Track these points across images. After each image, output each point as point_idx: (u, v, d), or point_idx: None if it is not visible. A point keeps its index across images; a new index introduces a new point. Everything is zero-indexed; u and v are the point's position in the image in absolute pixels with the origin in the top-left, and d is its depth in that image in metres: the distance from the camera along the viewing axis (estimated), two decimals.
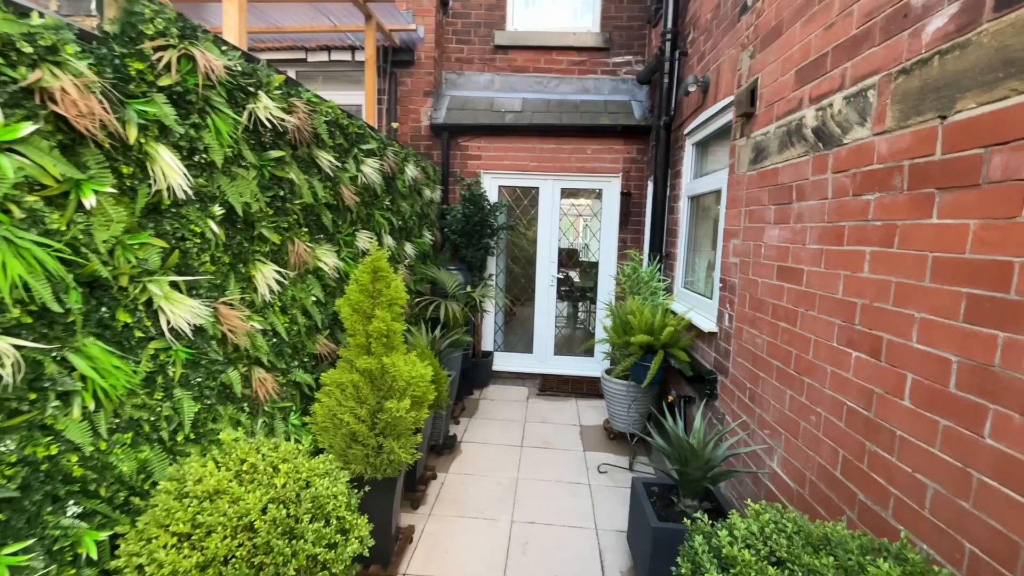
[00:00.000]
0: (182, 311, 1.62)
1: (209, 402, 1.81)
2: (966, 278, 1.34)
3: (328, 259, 2.68)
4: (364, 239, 3.18)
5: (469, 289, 4.91)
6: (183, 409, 1.68)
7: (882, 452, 1.62)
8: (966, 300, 1.34)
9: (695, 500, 2.45)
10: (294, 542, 1.38)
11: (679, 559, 1.41)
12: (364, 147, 3.14)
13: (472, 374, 5.32)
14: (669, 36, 4.13)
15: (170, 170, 1.57)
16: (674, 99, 4.21)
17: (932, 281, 1.46)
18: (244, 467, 1.51)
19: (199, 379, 1.76)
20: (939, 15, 1.45)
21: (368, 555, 1.83)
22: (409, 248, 4.30)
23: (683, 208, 4.16)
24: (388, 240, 3.71)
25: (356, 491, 1.74)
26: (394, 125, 5.22)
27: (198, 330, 1.73)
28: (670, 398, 3.72)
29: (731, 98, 3.02)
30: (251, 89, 1.96)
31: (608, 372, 4.17)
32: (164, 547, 1.27)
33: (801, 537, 1.24)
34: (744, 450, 2.48)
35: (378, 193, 3.44)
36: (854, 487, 1.75)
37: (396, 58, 5.33)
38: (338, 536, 1.50)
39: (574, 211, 6.75)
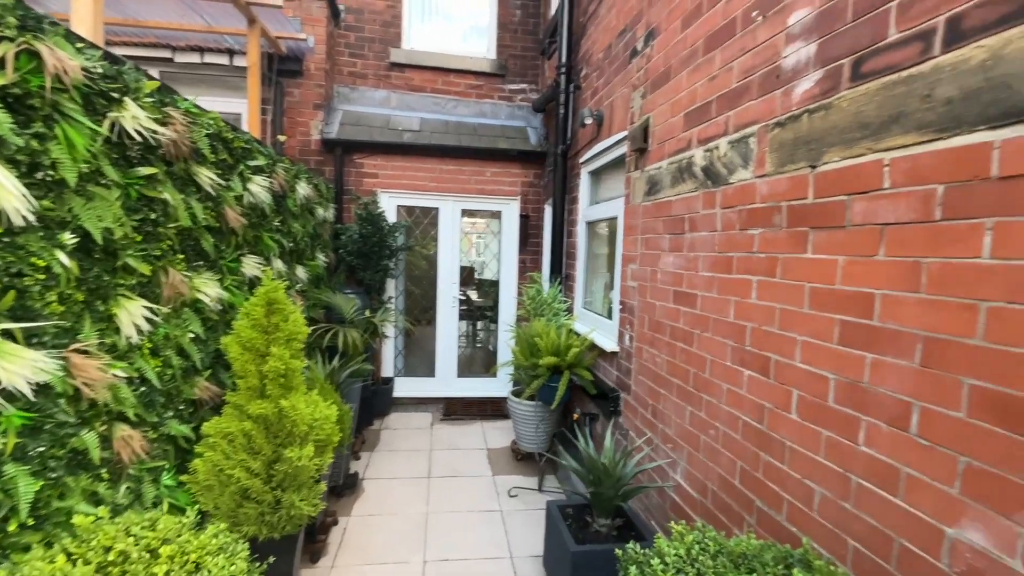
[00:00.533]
0: (17, 367, 1.29)
1: (55, 475, 1.46)
2: (838, 306, 1.55)
3: (209, 289, 2.35)
4: (251, 264, 2.86)
5: (368, 313, 4.65)
6: (17, 489, 1.33)
7: (775, 461, 1.81)
8: (839, 325, 1.55)
9: (608, 519, 2.52)
10: None
11: None
12: (251, 163, 2.84)
13: (372, 403, 5.02)
14: (563, 70, 4.36)
15: (1, 190, 1.25)
16: (569, 129, 4.44)
17: (810, 308, 1.67)
18: (111, 557, 1.23)
19: (41, 448, 1.41)
20: (806, 79, 1.69)
21: None
22: (301, 272, 3.96)
23: (581, 232, 4.37)
24: (278, 264, 3.38)
25: (257, 563, 1.51)
26: (280, 138, 4.82)
27: (41, 388, 1.39)
28: (575, 416, 3.83)
29: (625, 133, 3.25)
30: (115, 95, 1.66)
31: (515, 394, 4.19)
32: None
33: (724, 556, 1.31)
34: (651, 465, 2.62)
35: (267, 213, 3.13)
36: (752, 495, 1.93)
37: (283, 67, 4.95)
38: None
39: (473, 230, 6.78)
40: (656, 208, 2.80)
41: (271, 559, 1.80)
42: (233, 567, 1.33)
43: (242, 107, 5.16)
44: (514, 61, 5.95)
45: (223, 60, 4.93)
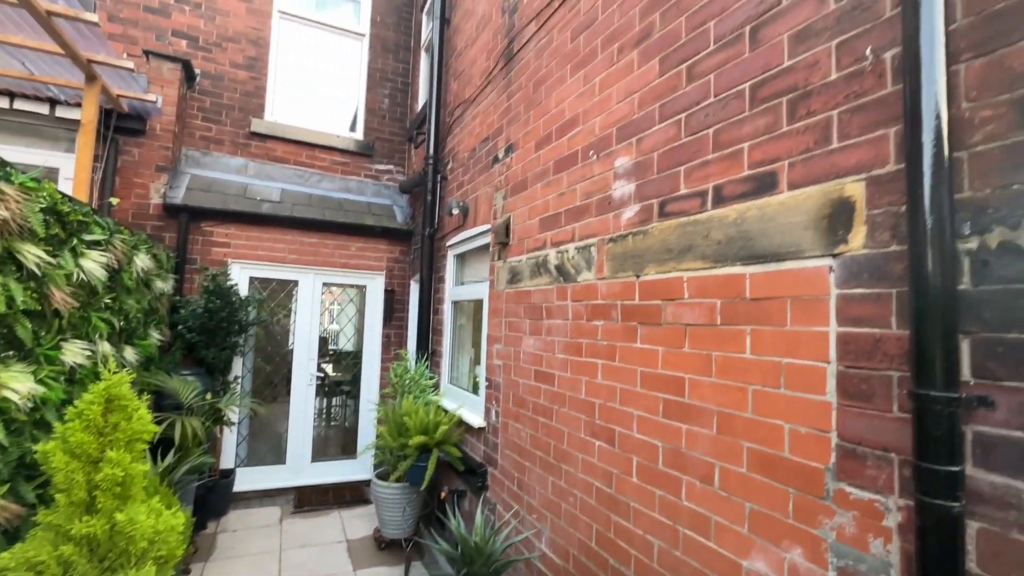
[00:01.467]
0: None
1: None
2: (661, 386, 1.97)
3: (19, 384, 2.00)
4: (74, 351, 2.48)
5: (210, 397, 4.16)
6: None
7: (623, 521, 2.11)
8: (662, 402, 1.96)
9: None
10: None
11: None
12: (87, 238, 2.54)
13: (207, 501, 4.36)
14: (431, 162, 4.73)
15: None
16: (437, 215, 4.76)
17: (642, 388, 2.07)
18: None
19: None
20: (629, 209, 2.20)
21: None
22: (130, 353, 3.46)
23: (447, 310, 4.59)
24: (104, 347, 2.94)
25: None
26: (112, 201, 4.30)
27: None
28: (443, 495, 3.84)
29: (489, 226, 3.65)
30: None
31: (380, 476, 4.05)
32: None
33: None
34: (519, 538, 2.77)
35: (98, 291, 2.77)
36: (606, 554, 2.19)
37: (122, 124, 4.52)
38: None
39: (328, 297, 6.58)
40: (518, 295, 3.16)
41: None
42: None
43: (61, 162, 4.53)
44: (381, 144, 6.23)
45: (41, 109, 4.33)
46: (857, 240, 1.33)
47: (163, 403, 3.91)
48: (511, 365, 3.19)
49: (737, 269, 1.67)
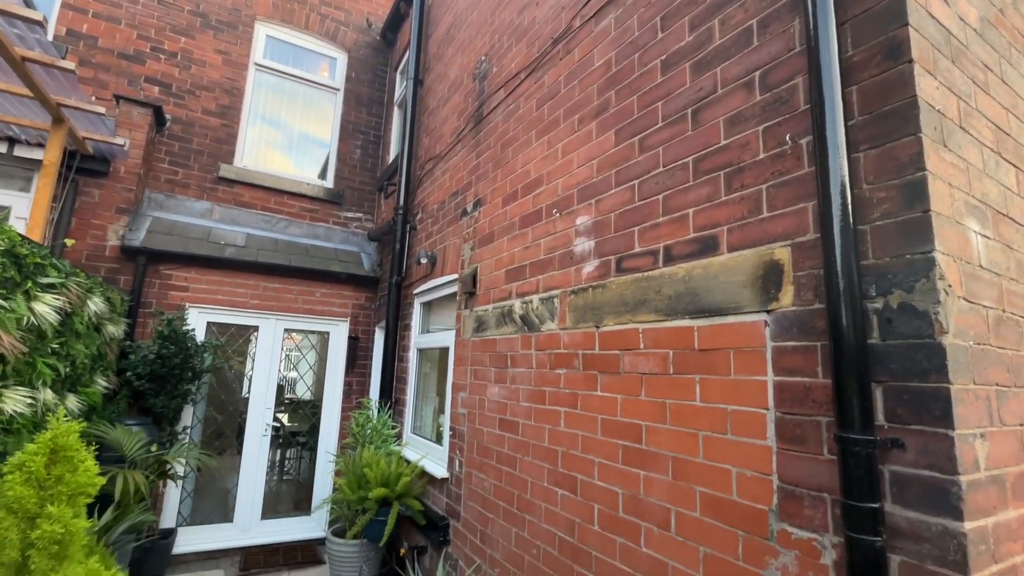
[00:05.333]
0: None
1: None
2: (620, 433, 2.06)
3: None
4: (15, 399, 2.36)
5: (155, 449, 3.94)
6: None
7: (585, 572, 2.12)
8: (622, 449, 2.03)
9: None
10: None
11: None
12: (43, 280, 2.48)
13: (142, 565, 4.02)
14: (401, 212, 4.86)
15: None
16: (405, 263, 4.84)
17: (602, 435, 2.15)
18: None
19: None
20: (589, 264, 2.35)
21: None
22: (73, 401, 3.28)
23: (412, 357, 4.59)
24: (46, 395, 2.80)
25: None
26: (67, 242, 4.18)
27: None
28: (403, 551, 3.70)
29: (456, 275, 3.75)
30: None
31: (336, 533, 3.88)
32: None
33: None
34: None
35: (47, 335, 2.67)
36: None
37: (85, 166, 4.47)
38: None
39: (293, 346, 6.43)
40: (483, 344, 3.23)
41: None
42: None
43: (13, 200, 4.41)
44: (351, 192, 6.34)
45: None
46: (787, 298, 1.50)
47: (104, 455, 3.66)
48: (476, 414, 3.21)
49: (686, 322, 1.82)
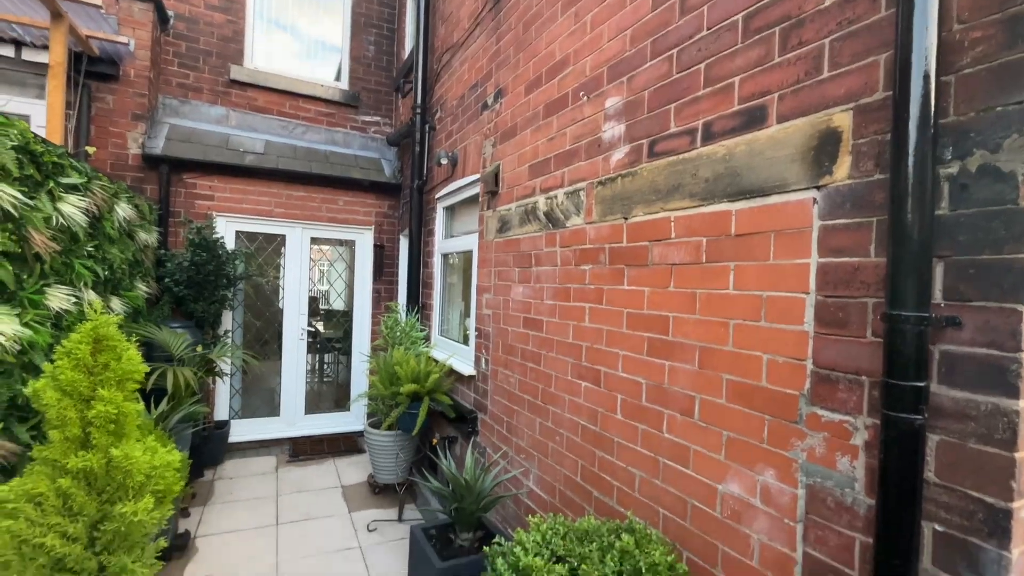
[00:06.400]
0: None
1: None
2: (646, 326, 2.01)
3: (4, 326, 1.99)
4: (59, 296, 2.46)
5: (201, 349, 4.18)
6: None
7: (607, 456, 2.20)
8: (647, 341, 2.00)
9: (470, 532, 2.69)
10: None
11: None
12: (64, 181, 2.48)
13: (202, 451, 4.45)
14: (419, 111, 4.61)
15: None
16: (425, 166, 4.68)
17: (627, 328, 2.11)
18: None
19: None
20: (619, 151, 2.18)
21: None
22: (117, 304, 3.44)
23: (437, 263, 4.58)
24: (90, 295, 2.92)
25: None
26: (89, 150, 4.16)
27: None
28: (434, 441, 3.95)
29: (478, 175, 3.60)
30: None
31: (373, 425, 4.15)
32: None
33: (571, 534, 1.60)
34: (507, 476, 2.88)
35: (80, 237, 2.72)
36: (590, 487, 2.29)
37: (93, 69, 4.32)
38: None
39: (320, 257, 6.55)
40: (507, 244, 3.15)
41: None
42: None
43: (31, 109, 4.34)
44: (368, 94, 6.03)
45: (6, 51, 4.12)
46: (842, 170, 1.34)
47: (153, 355, 3.92)
48: (500, 314, 3.23)
49: (724, 206, 1.68)
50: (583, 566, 1.41)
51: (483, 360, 3.46)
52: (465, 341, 4.04)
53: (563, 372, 2.54)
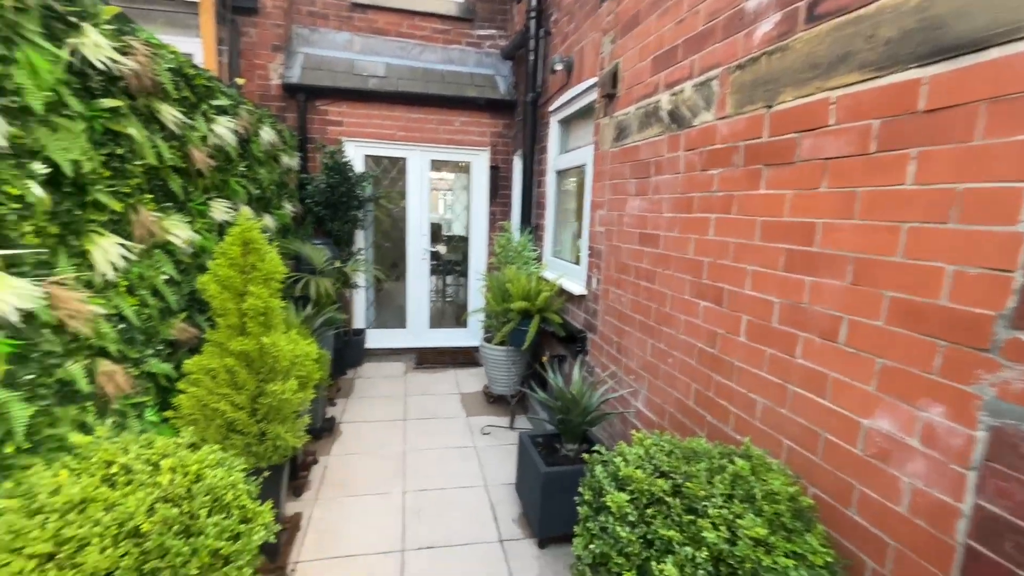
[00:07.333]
0: (3, 292, 1.30)
1: (45, 403, 1.50)
2: (784, 236, 1.71)
3: (180, 231, 2.33)
4: (220, 209, 2.82)
5: (339, 264, 4.64)
6: (12, 414, 1.37)
7: (725, 380, 2.01)
8: (784, 254, 1.71)
9: (575, 444, 2.74)
10: (192, 539, 1.25)
11: (580, 488, 1.60)
12: (215, 103, 2.75)
13: (344, 353, 5.08)
14: (534, 14, 4.28)
15: None
16: (539, 76, 4.41)
17: (761, 240, 1.82)
18: (114, 470, 1.30)
19: (30, 376, 1.45)
20: (767, 21, 1.77)
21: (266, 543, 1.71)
22: (269, 220, 3.90)
23: (550, 182, 4.43)
24: (246, 211, 3.31)
25: (253, 478, 1.61)
26: (239, 81, 4.59)
27: (26, 317, 1.41)
28: (544, 359, 4.02)
29: (595, 79, 3.29)
30: (73, 20, 1.59)
31: (487, 340, 4.34)
32: (20, 573, 1.06)
33: (678, 452, 1.50)
34: (614, 395, 2.83)
35: (232, 157, 3.05)
36: (704, 412, 2.14)
37: (237, 3, 4.66)
38: (241, 526, 1.39)
39: (438, 184, 6.75)
40: (624, 153, 2.89)
41: (264, 474, 1.90)
42: (232, 478, 1.43)
43: (194, 47, 4.86)
44: (483, 5, 5.77)
45: None
46: None
47: (300, 267, 4.45)
48: (614, 231, 3.03)
49: (910, 74, 1.29)
50: (688, 484, 1.31)
51: (594, 279, 3.34)
52: (576, 261, 3.93)
53: (679, 291, 2.33)
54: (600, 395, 2.71)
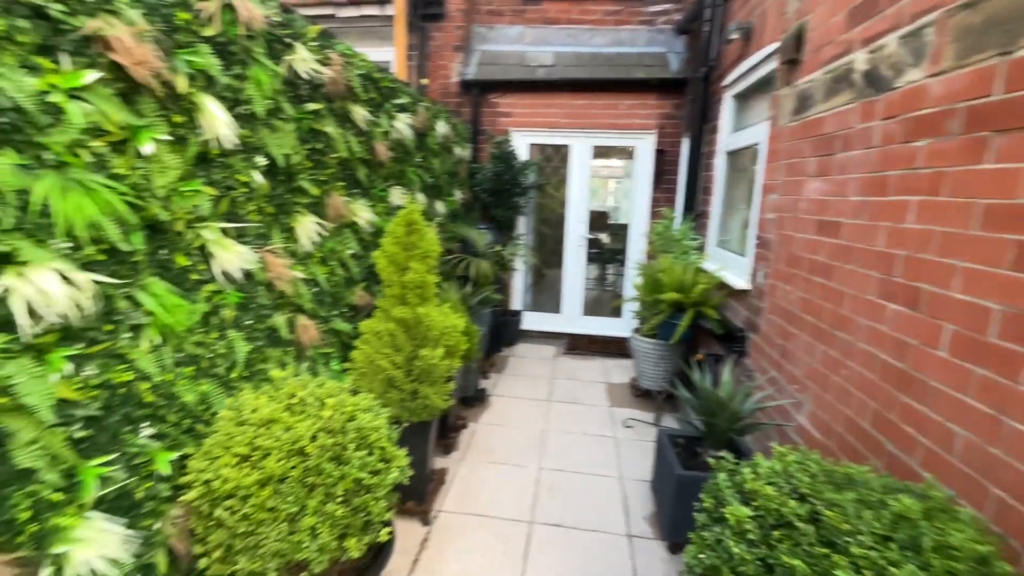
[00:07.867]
0: (232, 256, 1.72)
1: (259, 343, 1.94)
2: (1015, 225, 1.30)
3: (363, 213, 2.75)
4: (397, 195, 3.24)
5: (498, 248, 4.95)
6: (236, 348, 1.80)
7: (914, 403, 1.62)
8: (1014, 247, 1.30)
9: (719, 451, 2.49)
10: (342, 467, 1.50)
11: (702, 495, 1.47)
12: (396, 102, 3.15)
13: (500, 332, 5.42)
14: None
15: (216, 120, 1.63)
16: (713, 49, 4.02)
17: (980, 229, 1.41)
18: (294, 400, 1.63)
19: (249, 321, 1.88)
20: None
21: (407, 485, 1.96)
22: (440, 206, 4.34)
23: (719, 165, 4.04)
24: (420, 197, 3.76)
25: (395, 426, 1.86)
26: (423, 82, 5.17)
27: (247, 276, 1.83)
28: (699, 356, 3.72)
29: (776, 45, 2.88)
30: (288, 40, 1.99)
31: (637, 331, 4.19)
32: (227, 466, 1.41)
33: (824, 476, 1.27)
34: (772, 404, 2.50)
35: (410, 149, 3.47)
36: (882, 437, 1.76)
37: (426, 11, 5.23)
38: (380, 464, 1.62)
39: (605, 172, 6.65)
40: (804, 128, 2.48)
41: (405, 425, 2.17)
42: (376, 422, 1.67)
43: (390, 55, 5.62)
44: None
45: (375, 11, 5.36)
46: None
47: (467, 249, 4.87)
48: (786, 218, 2.65)
49: None
50: (828, 512, 1.10)
51: (760, 273, 2.96)
52: (742, 252, 3.53)
53: (862, 289, 1.93)
54: (755, 402, 2.42)
